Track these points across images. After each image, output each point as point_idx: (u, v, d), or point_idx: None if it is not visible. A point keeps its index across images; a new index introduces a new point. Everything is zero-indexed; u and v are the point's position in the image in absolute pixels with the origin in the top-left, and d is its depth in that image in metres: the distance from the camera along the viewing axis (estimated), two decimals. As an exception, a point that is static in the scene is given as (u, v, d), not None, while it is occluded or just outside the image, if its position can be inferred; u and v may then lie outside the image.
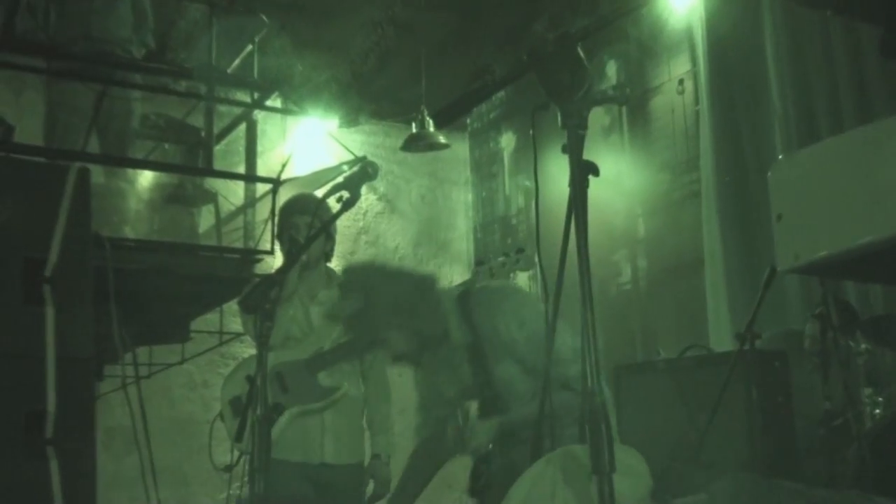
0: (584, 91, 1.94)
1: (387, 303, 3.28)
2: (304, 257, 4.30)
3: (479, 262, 4.32)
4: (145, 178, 5.62)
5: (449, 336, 3.36)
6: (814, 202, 1.93)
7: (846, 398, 4.44)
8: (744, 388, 4.62)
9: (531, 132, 2.63)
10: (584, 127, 2.06)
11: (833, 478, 4.34)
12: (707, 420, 4.45)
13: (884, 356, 4.62)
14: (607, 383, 3.00)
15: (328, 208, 3.90)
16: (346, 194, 3.18)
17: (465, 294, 3.45)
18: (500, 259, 4.21)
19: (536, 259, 2.86)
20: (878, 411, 4.54)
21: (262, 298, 2.96)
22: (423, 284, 3.43)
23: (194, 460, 7.56)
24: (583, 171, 2.09)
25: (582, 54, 1.95)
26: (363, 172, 3.31)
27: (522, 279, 8.71)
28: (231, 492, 6.17)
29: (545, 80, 1.95)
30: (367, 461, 4.48)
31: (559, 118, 1.95)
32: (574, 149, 1.93)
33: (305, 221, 4.36)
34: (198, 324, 5.95)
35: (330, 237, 4.57)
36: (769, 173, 2.08)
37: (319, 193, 5.08)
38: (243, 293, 4.18)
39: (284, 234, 4.51)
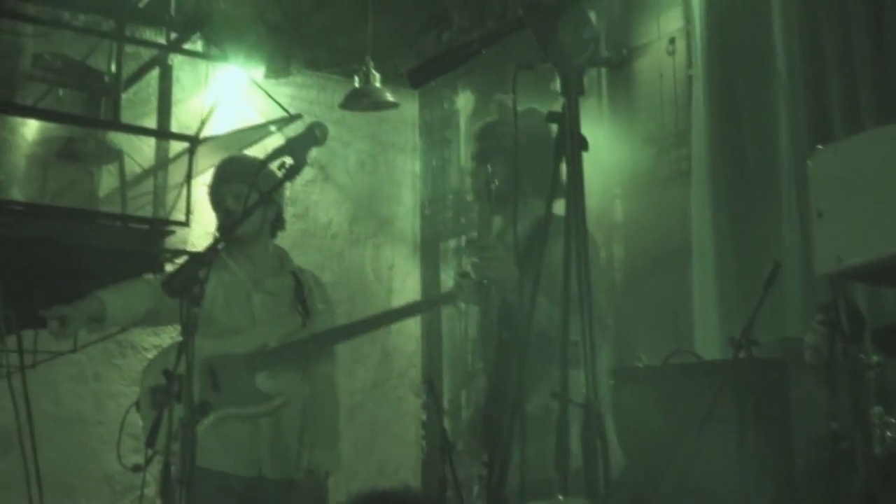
0: (588, 53, 1.96)
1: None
2: (239, 232, 4.29)
3: (463, 275, 4.35)
4: (35, 129, 5.56)
5: None
6: (861, 198, 1.96)
7: (855, 418, 4.51)
8: (736, 402, 4.68)
9: (513, 97, 2.66)
10: (582, 93, 2.08)
11: (836, 509, 4.41)
12: (693, 439, 4.50)
13: (898, 371, 4.69)
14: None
15: (270, 173, 3.91)
16: (288, 160, 3.19)
17: None
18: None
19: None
20: (889, 434, 4.62)
21: (189, 280, 2.96)
22: None
23: (81, 467, 7.50)
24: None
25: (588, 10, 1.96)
26: (310, 135, 3.33)
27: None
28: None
29: (544, 39, 1.96)
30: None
31: (559, 85, 1.97)
32: (574, 121, 1.95)
33: (234, 191, 4.36)
34: (94, 305, 5.89)
35: (273, 203, 4.57)
36: (809, 162, 2.12)
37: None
38: (168, 274, 4.18)
39: (219, 206, 4.50)
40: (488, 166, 3.92)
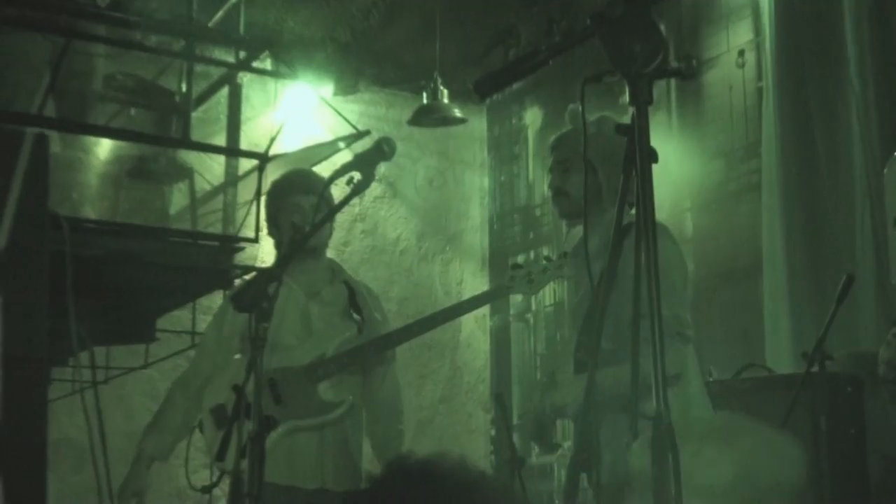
0: (657, 63, 1.95)
1: None
2: (310, 245, 4.30)
3: (514, 266, 4.34)
4: (107, 148, 5.61)
5: None
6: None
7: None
8: (810, 417, 4.61)
9: (580, 108, 2.64)
10: (651, 102, 2.07)
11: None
12: (766, 454, 4.44)
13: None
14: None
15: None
16: (357, 175, 3.19)
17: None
18: (542, 263, 4.24)
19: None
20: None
21: (258, 295, 2.97)
22: None
23: (151, 481, 7.53)
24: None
25: (657, 20, 1.95)
26: (378, 150, 3.33)
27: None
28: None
29: (612, 49, 1.95)
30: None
31: (627, 95, 1.95)
32: (643, 131, 1.93)
33: (311, 203, 4.32)
34: (165, 322, 5.95)
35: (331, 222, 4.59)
36: (885, 170, 2.08)
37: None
38: (235, 288, 4.19)
39: (282, 218, 4.50)
40: (561, 176, 3.88)
